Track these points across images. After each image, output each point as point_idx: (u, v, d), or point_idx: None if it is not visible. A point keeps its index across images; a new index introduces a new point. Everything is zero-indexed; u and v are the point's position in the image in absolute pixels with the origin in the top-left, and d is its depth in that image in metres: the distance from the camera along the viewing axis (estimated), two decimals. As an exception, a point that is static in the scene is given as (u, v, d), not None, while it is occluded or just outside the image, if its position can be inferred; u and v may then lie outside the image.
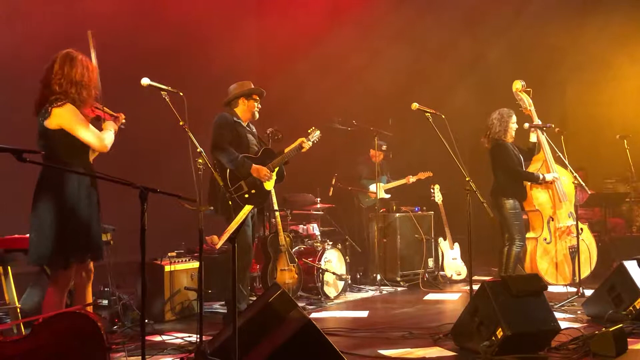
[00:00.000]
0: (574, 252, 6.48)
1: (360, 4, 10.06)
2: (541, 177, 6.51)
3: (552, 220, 6.64)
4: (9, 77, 6.56)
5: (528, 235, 6.70)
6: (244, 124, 5.73)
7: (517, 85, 6.74)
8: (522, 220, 6.53)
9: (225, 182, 5.43)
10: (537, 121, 6.64)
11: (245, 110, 5.73)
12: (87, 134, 3.98)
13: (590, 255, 6.76)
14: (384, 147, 8.40)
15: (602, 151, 9.28)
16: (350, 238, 8.11)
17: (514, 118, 6.54)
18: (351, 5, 10.01)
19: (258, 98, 5.77)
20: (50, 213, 3.92)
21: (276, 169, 5.79)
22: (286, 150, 5.87)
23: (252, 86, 5.77)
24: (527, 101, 6.70)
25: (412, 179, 8.51)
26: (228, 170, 5.51)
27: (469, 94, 10.34)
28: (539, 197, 6.63)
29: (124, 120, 4.31)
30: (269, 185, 5.76)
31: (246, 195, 5.51)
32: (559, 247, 6.64)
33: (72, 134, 3.95)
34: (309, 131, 5.99)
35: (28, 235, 4.69)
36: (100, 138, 4.04)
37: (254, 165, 5.59)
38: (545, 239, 6.61)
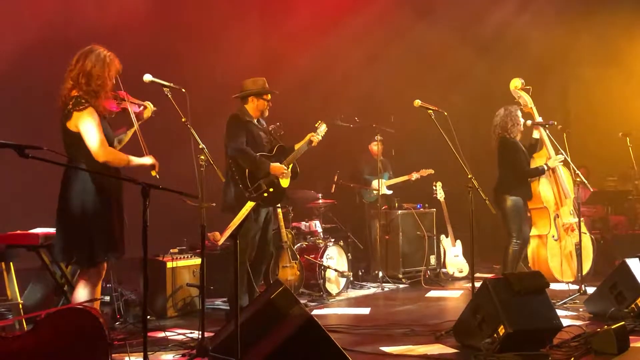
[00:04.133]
0: (579, 248, 6.49)
1: (362, 1, 10.04)
2: (545, 167, 6.53)
3: (558, 217, 6.64)
4: (15, 76, 6.57)
5: (532, 232, 6.70)
6: (254, 121, 5.75)
7: (516, 83, 6.74)
8: (523, 218, 6.53)
9: (244, 183, 5.48)
10: (538, 119, 6.64)
11: (255, 109, 5.74)
12: (91, 138, 3.94)
13: (592, 251, 6.75)
14: (379, 137, 8.28)
15: (604, 149, 9.26)
16: (352, 235, 8.11)
17: (520, 112, 6.56)
18: (354, 2, 9.98)
19: (269, 98, 5.78)
20: (61, 211, 3.99)
21: (290, 166, 5.81)
22: (296, 146, 5.90)
23: (266, 84, 5.77)
24: (526, 99, 6.70)
25: (415, 176, 8.50)
26: (247, 171, 5.53)
27: (472, 91, 10.33)
28: (546, 194, 6.62)
29: (154, 108, 4.35)
30: (285, 183, 5.79)
31: (265, 194, 5.51)
32: (566, 244, 6.63)
33: (86, 142, 3.96)
34: (316, 125, 6.04)
35: (33, 231, 4.75)
36: (101, 146, 3.94)
37: (272, 164, 5.62)
38: (554, 236, 6.60)
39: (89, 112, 3.94)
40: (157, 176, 4.19)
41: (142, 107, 4.34)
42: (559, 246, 6.62)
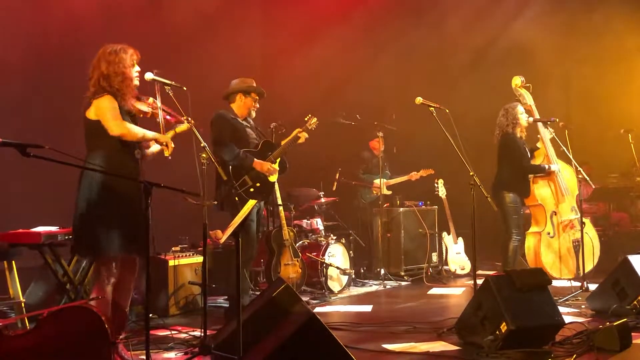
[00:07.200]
0: (578, 245, 6.48)
1: (364, 0, 10.04)
2: (547, 167, 6.53)
3: (555, 214, 6.64)
4: (17, 76, 6.57)
5: (531, 229, 6.72)
6: (239, 119, 5.71)
7: (517, 81, 6.77)
8: (521, 214, 6.55)
9: (228, 178, 5.39)
10: (537, 117, 6.66)
11: (242, 107, 5.69)
12: (106, 115, 3.97)
13: (594, 249, 6.74)
14: (381, 134, 8.25)
15: (606, 145, 9.23)
16: (354, 232, 8.11)
17: (520, 108, 6.58)
18: (355, 1, 9.98)
19: (257, 97, 5.74)
20: (74, 206, 4.02)
21: (277, 161, 5.77)
22: (283, 142, 5.87)
23: (254, 84, 5.74)
24: (527, 97, 6.72)
25: (415, 176, 8.48)
26: (230, 166, 5.49)
27: (473, 89, 10.32)
28: (541, 191, 6.63)
29: (190, 123, 4.32)
30: (273, 178, 5.76)
31: (251, 190, 5.50)
32: (563, 241, 6.63)
33: (102, 122, 3.98)
34: (306, 119, 5.95)
35: (36, 229, 4.76)
36: (113, 119, 3.97)
37: (255, 160, 5.58)
38: (549, 233, 6.60)
39: (107, 98, 4.01)
40: (170, 157, 4.18)
41: (173, 119, 4.33)
42: (554, 243, 6.61)
